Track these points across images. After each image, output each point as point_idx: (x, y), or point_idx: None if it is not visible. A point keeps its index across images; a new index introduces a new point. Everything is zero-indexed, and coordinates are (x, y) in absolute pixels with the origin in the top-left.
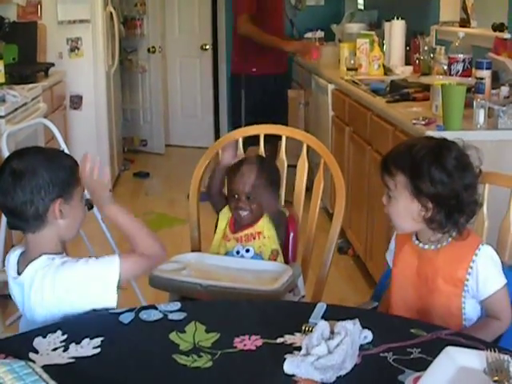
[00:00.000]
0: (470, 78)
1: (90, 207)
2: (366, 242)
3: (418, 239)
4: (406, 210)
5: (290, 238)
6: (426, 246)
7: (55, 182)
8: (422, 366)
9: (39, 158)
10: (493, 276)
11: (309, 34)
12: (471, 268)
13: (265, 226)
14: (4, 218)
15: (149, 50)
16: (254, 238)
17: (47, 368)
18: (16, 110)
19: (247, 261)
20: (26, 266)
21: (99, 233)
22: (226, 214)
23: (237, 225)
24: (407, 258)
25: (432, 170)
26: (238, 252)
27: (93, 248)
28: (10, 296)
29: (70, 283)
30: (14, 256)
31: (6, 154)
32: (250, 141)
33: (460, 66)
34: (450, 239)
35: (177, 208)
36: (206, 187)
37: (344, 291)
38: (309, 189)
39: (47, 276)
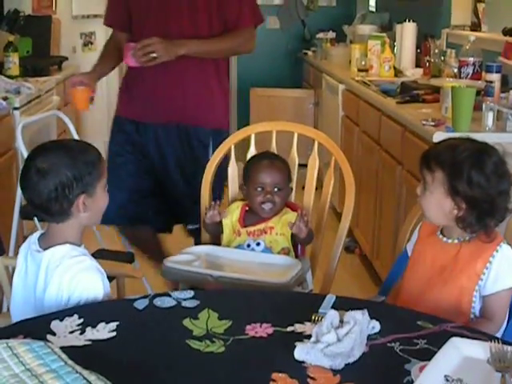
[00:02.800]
0: (479, 82)
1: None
2: (373, 241)
3: (442, 233)
4: (438, 205)
5: None
6: (450, 241)
7: (79, 179)
8: (427, 356)
9: (63, 155)
10: (504, 275)
11: (320, 35)
12: (490, 263)
13: (280, 222)
14: (17, 209)
15: None
16: (266, 233)
17: (64, 349)
18: (30, 102)
19: (257, 254)
20: (49, 246)
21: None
22: (234, 211)
23: (248, 220)
24: (428, 249)
25: (471, 173)
26: (248, 245)
27: (103, 240)
28: None
29: (81, 287)
30: (36, 234)
31: (21, 144)
32: None
33: (470, 69)
34: (467, 237)
35: None
36: (203, 227)
37: (350, 290)
38: (317, 188)
39: (71, 271)
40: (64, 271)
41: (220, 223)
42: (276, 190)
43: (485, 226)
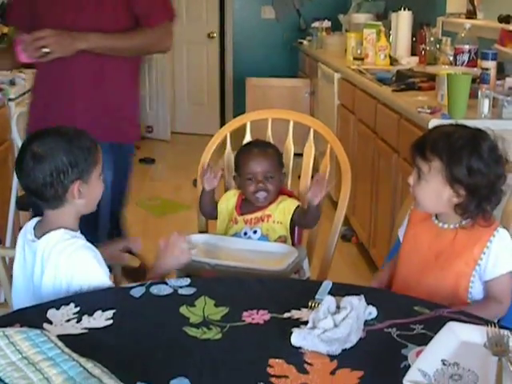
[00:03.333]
0: (475, 69)
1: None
2: (370, 229)
3: (437, 219)
4: (435, 193)
5: None
6: (446, 226)
7: (74, 165)
8: (424, 340)
9: (59, 141)
10: (504, 258)
11: (316, 24)
12: (487, 248)
13: (278, 210)
14: (13, 200)
15: None
16: (263, 221)
17: (61, 337)
18: (25, 93)
19: (254, 242)
20: (43, 234)
21: None
22: (231, 198)
23: (245, 208)
24: (422, 235)
25: (471, 160)
26: (245, 233)
27: None
28: None
29: (78, 268)
30: (32, 222)
31: (16, 135)
32: None
33: (466, 57)
34: (464, 222)
35: (182, 194)
36: (199, 208)
37: (347, 278)
38: (313, 177)
39: (64, 253)
40: (58, 255)
41: (216, 207)
42: (267, 178)
43: (483, 210)
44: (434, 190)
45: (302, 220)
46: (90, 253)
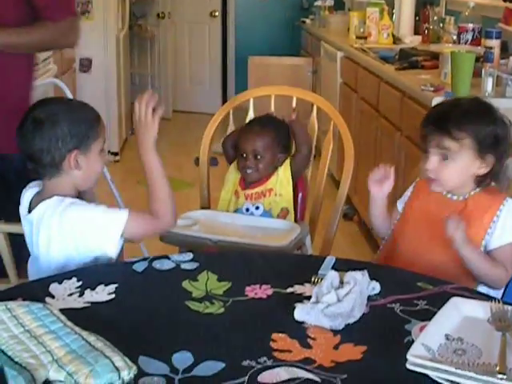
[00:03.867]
0: (479, 47)
1: None
2: None
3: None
4: (464, 170)
5: (299, 198)
6: (455, 197)
7: (73, 134)
8: (427, 316)
9: (61, 108)
10: (510, 228)
11: (319, 2)
12: (497, 216)
13: (278, 182)
14: None
15: (158, 15)
16: (265, 196)
17: (63, 311)
18: None
19: (256, 218)
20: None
21: (108, 193)
22: (237, 171)
23: (247, 182)
24: (430, 207)
25: (497, 130)
26: (247, 209)
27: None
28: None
29: (75, 224)
30: (28, 194)
31: None
32: None
33: (469, 36)
34: (472, 192)
35: (184, 172)
36: (222, 142)
37: (348, 257)
38: (315, 157)
39: (55, 214)
40: (50, 216)
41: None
42: (256, 157)
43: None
44: (462, 168)
45: (298, 163)
46: (80, 205)
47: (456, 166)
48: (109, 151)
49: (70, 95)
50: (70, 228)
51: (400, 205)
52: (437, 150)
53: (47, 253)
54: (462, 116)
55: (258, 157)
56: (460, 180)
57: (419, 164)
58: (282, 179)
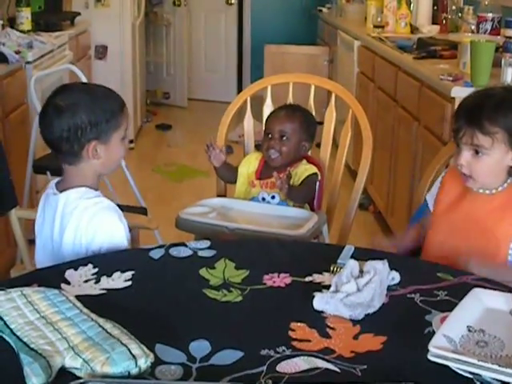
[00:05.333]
0: (498, 37)
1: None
2: (388, 198)
3: None
4: (498, 163)
5: (316, 186)
6: (481, 191)
7: (93, 124)
8: (448, 307)
9: (83, 97)
10: None
11: None
12: None
13: (297, 175)
14: (30, 163)
15: (174, 3)
16: None
17: (79, 298)
18: (43, 56)
19: (273, 206)
20: (65, 190)
21: (123, 181)
22: (252, 162)
23: (264, 173)
24: (457, 201)
25: None
26: (263, 199)
27: (116, 195)
28: None
29: (101, 228)
30: (54, 180)
31: (34, 98)
32: None
33: (489, 25)
34: (505, 185)
35: (199, 160)
36: (218, 177)
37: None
38: (332, 147)
39: (88, 211)
40: (81, 212)
41: (234, 169)
42: (282, 138)
43: None
44: (496, 161)
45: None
46: (115, 214)
47: (489, 160)
48: None
49: (85, 81)
50: (96, 228)
51: (430, 198)
52: (469, 145)
53: (70, 238)
54: (494, 108)
55: (284, 138)
56: (494, 174)
57: (452, 158)
58: (299, 173)
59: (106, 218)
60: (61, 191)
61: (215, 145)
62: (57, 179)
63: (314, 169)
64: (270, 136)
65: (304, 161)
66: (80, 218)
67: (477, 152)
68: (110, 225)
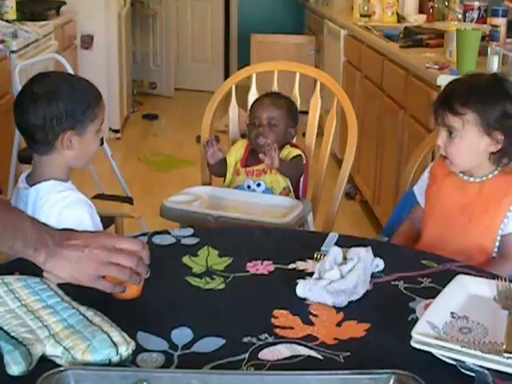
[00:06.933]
0: (484, 26)
1: (101, 143)
2: (374, 187)
3: (461, 172)
4: (472, 147)
5: (303, 167)
6: (472, 179)
7: (69, 114)
8: (432, 294)
9: (61, 85)
10: None
11: None
12: None
13: (282, 157)
14: (15, 153)
15: None
16: (266, 173)
17: (61, 286)
18: (28, 45)
19: (258, 195)
20: (35, 183)
21: (109, 171)
22: (238, 150)
23: (250, 160)
24: (446, 190)
25: (506, 105)
26: (248, 186)
27: (101, 185)
28: None
29: (69, 223)
30: (24, 173)
31: (19, 87)
32: None
33: (475, 14)
34: (495, 172)
35: (185, 150)
36: (209, 171)
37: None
38: (317, 136)
39: (57, 206)
40: (50, 207)
41: (225, 162)
42: (270, 125)
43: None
44: (470, 145)
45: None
46: (84, 207)
47: (463, 142)
48: (110, 128)
49: (70, 71)
50: (65, 224)
51: (418, 192)
52: (443, 126)
53: None
54: (466, 92)
55: (272, 125)
56: (470, 158)
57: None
58: (284, 158)
59: (72, 211)
60: (31, 185)
61: (214, 143)
62: (27, 172)
63: (298, 151)
64: (257, 124)
65: (287, 145)
66: (49, 212)
67: (450, 133)
68: (75, 218)
